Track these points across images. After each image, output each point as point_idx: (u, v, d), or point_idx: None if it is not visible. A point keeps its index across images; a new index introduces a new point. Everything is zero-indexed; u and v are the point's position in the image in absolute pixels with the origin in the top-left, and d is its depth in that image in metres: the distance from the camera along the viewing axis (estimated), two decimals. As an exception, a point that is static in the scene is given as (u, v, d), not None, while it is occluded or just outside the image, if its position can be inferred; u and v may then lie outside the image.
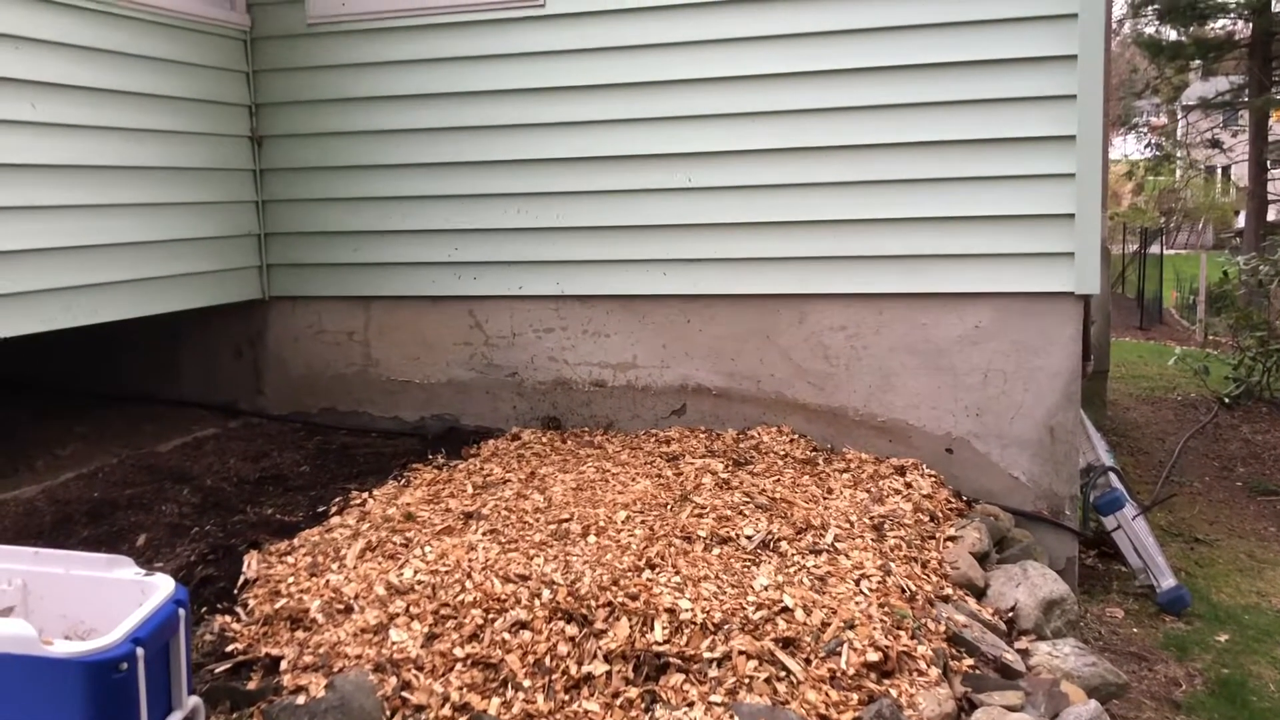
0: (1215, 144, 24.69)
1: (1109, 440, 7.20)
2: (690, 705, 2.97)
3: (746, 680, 3.04)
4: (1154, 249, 20.71)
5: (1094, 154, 4.76)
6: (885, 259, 5.07)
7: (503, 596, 3.37)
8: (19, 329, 4.48)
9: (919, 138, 4.95)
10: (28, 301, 4.50)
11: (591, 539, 3.84)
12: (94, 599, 2.91)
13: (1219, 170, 33.87)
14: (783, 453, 4.99)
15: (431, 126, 5.55)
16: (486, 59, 5.43)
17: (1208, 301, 16.83)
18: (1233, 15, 21.47)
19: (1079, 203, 4.78)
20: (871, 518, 4.23)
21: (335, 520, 4.20)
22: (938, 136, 4.93)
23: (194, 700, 2.92)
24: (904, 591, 3.65)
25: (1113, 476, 5.81)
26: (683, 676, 3.07)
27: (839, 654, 3.18)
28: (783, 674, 3.09)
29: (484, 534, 3.92)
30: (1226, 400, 10.03)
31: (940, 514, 4.56)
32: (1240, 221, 30.19)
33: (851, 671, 3.13)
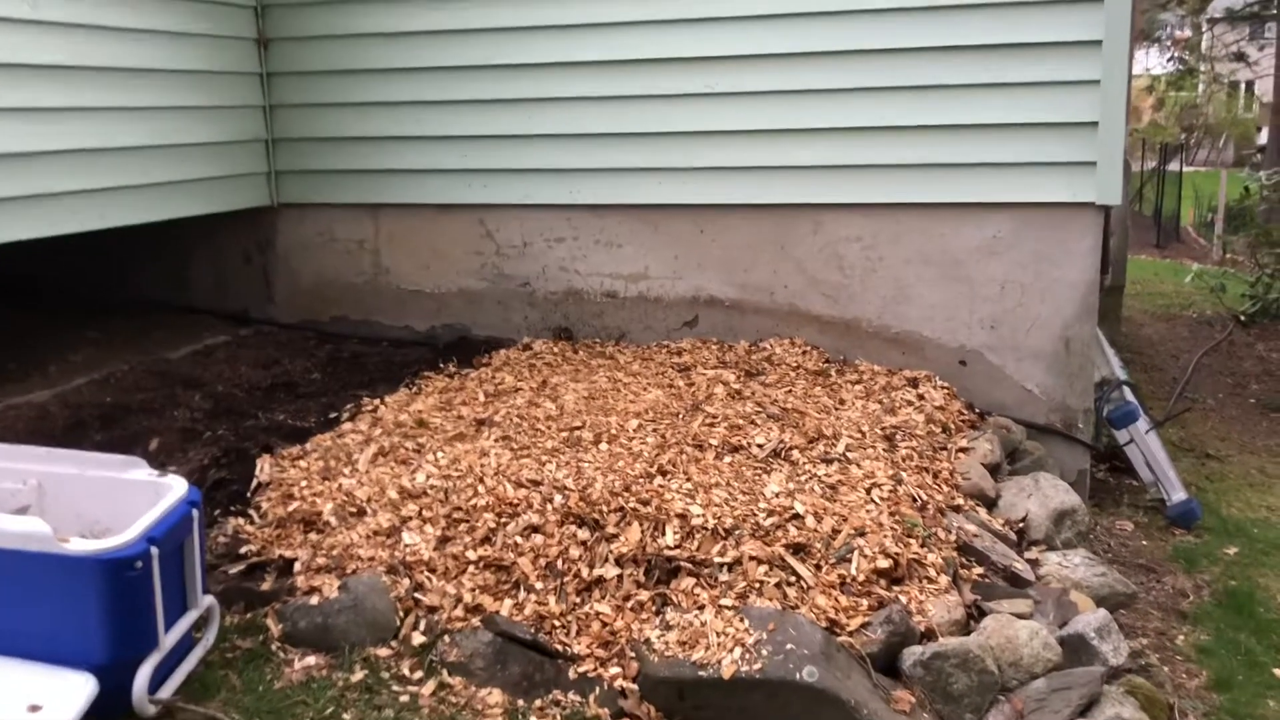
0: (1240, 57, 24.13)
1: (1123, 357, 7.16)
2: (701, 608, 2.98)
3: (757, 584, 3.05)
4: (1173, 166, 20.35)
5: (1119, 61, 4.65)
6: (904, 168, 4.97)
7: (515, 501, 3.38)
8: (26, 233, 4.43)
9: (941, 42, 4.81)
10: (34, 205, 4.45)
11: (603, 446, 3.84)
12: (108, 499, 2.93)
13: (1242, 85, 33.14)
14: (795, 364, 4.97)
15: (440, 29, 5.40)
16: (497, -42, 5.28)
17: (1226, 219, 16.57)
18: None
19: (1103, 111, 4.67)
20: (883, 428, 4.21)
21: (347, 426, 4.21)
22: (961, 41, 4.79)
23: (209, 599, 2.96)
24: (915, 501, 3.65)
25: (1126, 391, 5.78)
26: (694, 580, 3.09)
27: (849, 560, 3.19)
28: (793, 579, 3.10)
29: (496, 440, 3.92)
30: (1242, 318, 9.94)
31: (952, 425, 4.54)
32: (1262, 138, 29.60)
33: (861, 578, 3.14)
